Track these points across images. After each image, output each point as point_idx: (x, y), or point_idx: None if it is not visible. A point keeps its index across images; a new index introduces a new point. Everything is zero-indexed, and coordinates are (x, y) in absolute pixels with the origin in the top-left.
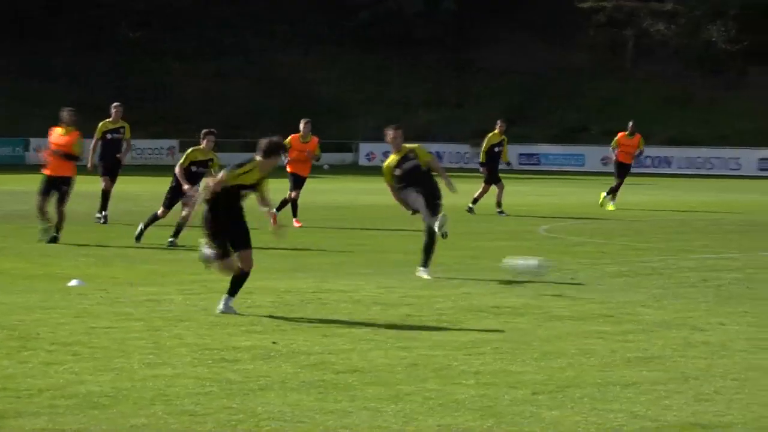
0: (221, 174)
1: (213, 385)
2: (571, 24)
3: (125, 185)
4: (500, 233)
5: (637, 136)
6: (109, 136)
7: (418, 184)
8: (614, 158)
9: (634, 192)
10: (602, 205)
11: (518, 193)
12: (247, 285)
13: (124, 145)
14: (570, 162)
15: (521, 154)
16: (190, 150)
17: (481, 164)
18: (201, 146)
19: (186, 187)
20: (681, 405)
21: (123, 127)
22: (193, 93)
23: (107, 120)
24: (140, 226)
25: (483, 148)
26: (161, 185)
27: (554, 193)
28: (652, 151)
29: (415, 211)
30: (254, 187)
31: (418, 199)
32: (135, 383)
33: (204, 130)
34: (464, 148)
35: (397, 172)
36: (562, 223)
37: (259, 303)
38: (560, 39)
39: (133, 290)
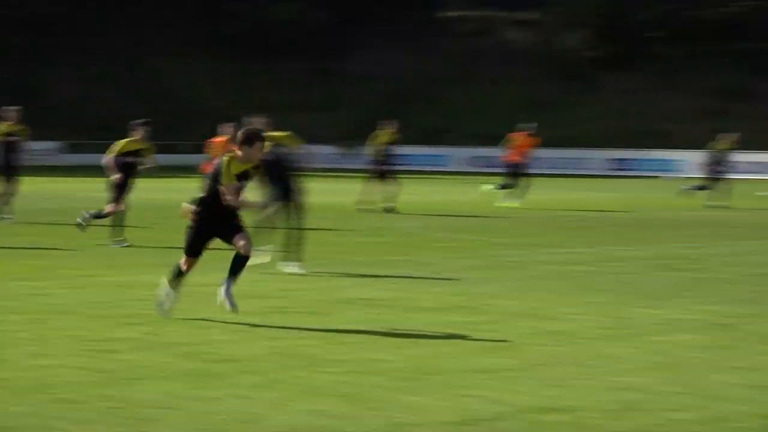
0: (224, 188)
1: (93, 375)
2: (434, 32)
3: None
4: (367, 230)
5: (536, 138)
6: (10, 138)
7: (281, 179)
8: (511, 157)
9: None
10: (504, 204)
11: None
12: (129, 279)
13: (22, 147)
14: (434, 162)
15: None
16: (124, 141)
17: (377, 162)
18: (134, 137)
19: (117, 176)
20: (534, 390)
21: (21, 130)
22: (66, 96)
23: (6, 122)
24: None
25: (378, 146)
26: (44, 186)
27: (419, 191)
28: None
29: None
30: (244, 177)
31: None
32: (17, 373)
33: (138, 121)
34: (333, 150)
35: (269, 156)
36: (426, 220)
37: (140, 296)
38: (424, 47)
39: (16, 284)
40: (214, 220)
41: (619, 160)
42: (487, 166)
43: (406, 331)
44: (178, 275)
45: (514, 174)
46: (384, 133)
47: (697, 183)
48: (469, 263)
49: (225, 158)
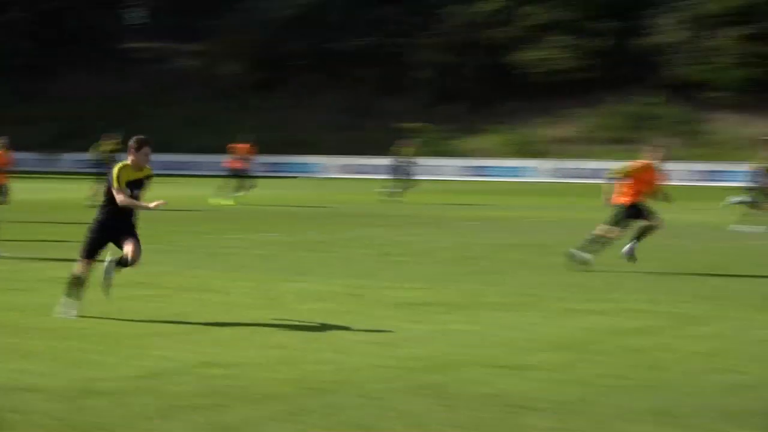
0: (115, 185)
1: None
2: (125, 59)
3: None
4: (74, 221)
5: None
6: None
7: None
8: (234, 164)
9: (196, 189)
10: (226, 203)
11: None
12: None
13: None
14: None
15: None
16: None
17: (100, 166)
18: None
19: None
20: (201, 349)
21: None
22: None
23: None
24: None
25: (101, 153)
26: None
27: None
28: (186, 158)
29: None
30: (138, 185)
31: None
32: None
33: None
34: (36, 156)
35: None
36: None
37: None
38: (116, 72)
39: None
40: (113, 225)
41: (273, 164)
42: (163, 169)
43: (97, 304)
44: (76, 284)
45: (238, 176)
46: (108, 143)
47: (392, 185)
48: (152, 247)
49: (117, 166)
